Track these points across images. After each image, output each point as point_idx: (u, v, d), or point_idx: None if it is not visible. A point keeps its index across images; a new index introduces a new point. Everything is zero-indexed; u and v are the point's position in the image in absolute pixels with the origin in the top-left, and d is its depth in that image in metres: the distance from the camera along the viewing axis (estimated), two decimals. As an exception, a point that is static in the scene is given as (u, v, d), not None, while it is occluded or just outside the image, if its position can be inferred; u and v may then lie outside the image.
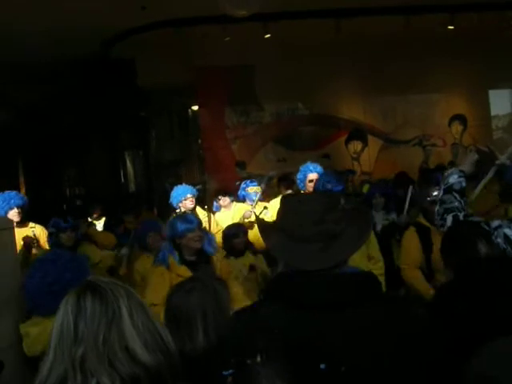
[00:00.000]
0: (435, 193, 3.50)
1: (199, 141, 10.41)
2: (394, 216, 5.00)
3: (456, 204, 2.71)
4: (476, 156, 2.88)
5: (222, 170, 9.42)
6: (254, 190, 5.51)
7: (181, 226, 3.28)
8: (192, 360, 1.71)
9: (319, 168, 4.77)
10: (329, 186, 3.78)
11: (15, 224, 4.54)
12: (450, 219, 2.70)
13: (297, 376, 1.07)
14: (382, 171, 9.65)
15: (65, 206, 11.25)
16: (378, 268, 3.77)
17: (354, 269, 1.57)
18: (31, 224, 4.82)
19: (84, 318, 1.30)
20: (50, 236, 4.63)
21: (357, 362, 1.23)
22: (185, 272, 3.15)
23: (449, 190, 2.76)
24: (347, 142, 10.63)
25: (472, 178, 2.99)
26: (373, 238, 3.88)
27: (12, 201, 4.61)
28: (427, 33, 8.76)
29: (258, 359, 1.03)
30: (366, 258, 3.76)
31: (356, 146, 10.65)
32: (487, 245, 2.27)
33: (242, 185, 5.61)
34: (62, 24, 7.36)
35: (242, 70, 9.47)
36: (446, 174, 2.85)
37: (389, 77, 9.64)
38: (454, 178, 2.76)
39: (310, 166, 4.76)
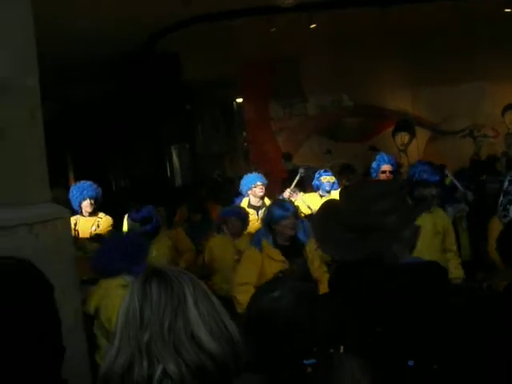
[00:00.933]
0: None
1: (244, 133, 10.42)
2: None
3: (521, 195, 2.59)
4: None
5: (268, 162, 9.40)
6: (327, 179, 5.48)
7: (276, 213, 3.43)
8: None
9: (393, 160, 4.97)
10: (425, 176, 3.76)
11: (87, 214, 4.80)
12: (513, 210, 2.59)
13: (381, 371, 1.02)
14: (430, 163, 9.39)
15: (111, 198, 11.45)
16: (456, 258, 3.87)
17: (418, 259, 1.52)
18: (100, 214, 4.93)
19: (149, 304, 1.30)
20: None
21: (447, 358, 1.15)
22: (277, 256, 3.39)
23: None
24: (394, 133, 10.40)
25: None
26: (451, 230, 3.91)
27: (85, 191, 4.78)
28: (477, 17, 8.41)
29: (342, 349, 0.99)
30: (439, 252, 3.73)
31: (403, 137, 10.40)
32: None
33: (316, 174, 5.64)
34: (106, 20, 7.47)
35: (287, 62, 9.39)
36: None
37: (436, 65, 9.33)
38: None
39: (385, 157, 4.90)
